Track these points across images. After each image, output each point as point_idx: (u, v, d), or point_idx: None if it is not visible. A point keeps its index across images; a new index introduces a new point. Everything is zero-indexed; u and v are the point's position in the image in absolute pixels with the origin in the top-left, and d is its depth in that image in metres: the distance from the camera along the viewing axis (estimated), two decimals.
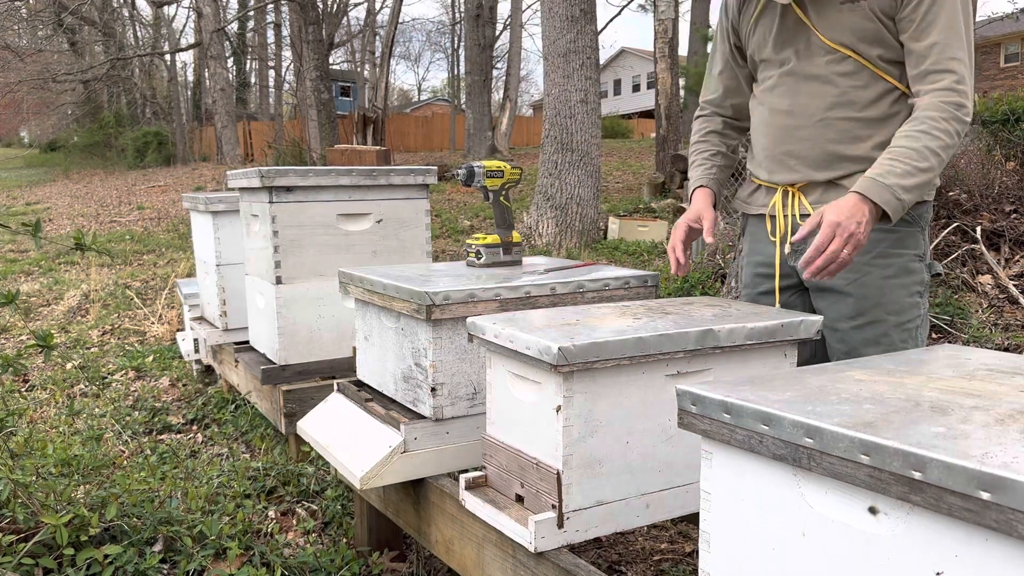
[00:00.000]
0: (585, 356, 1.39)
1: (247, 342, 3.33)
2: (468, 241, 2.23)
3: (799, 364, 1.66)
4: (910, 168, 1.55)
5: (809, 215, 1.73)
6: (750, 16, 1.85)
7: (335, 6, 25.14)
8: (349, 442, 1.98)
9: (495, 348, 1.54)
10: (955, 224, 4.57)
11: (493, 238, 2.20)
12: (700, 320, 1.58)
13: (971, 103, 1.60)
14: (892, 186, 1.54)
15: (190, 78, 33.42)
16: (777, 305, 1.86)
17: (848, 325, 1.76)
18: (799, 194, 1.79)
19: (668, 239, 2.03)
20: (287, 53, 28.31)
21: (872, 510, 0.85)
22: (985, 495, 0.77)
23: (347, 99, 33.69)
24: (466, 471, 1.75)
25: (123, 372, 4.29)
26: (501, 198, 2.23)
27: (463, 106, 25.26)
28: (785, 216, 1.81)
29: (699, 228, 1.88)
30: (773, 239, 1.85)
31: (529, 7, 27.32)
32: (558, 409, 1.42)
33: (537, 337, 1.42)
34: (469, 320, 1.61)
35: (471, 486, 1.64)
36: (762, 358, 1.59)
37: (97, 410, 3.63)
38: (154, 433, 3.39)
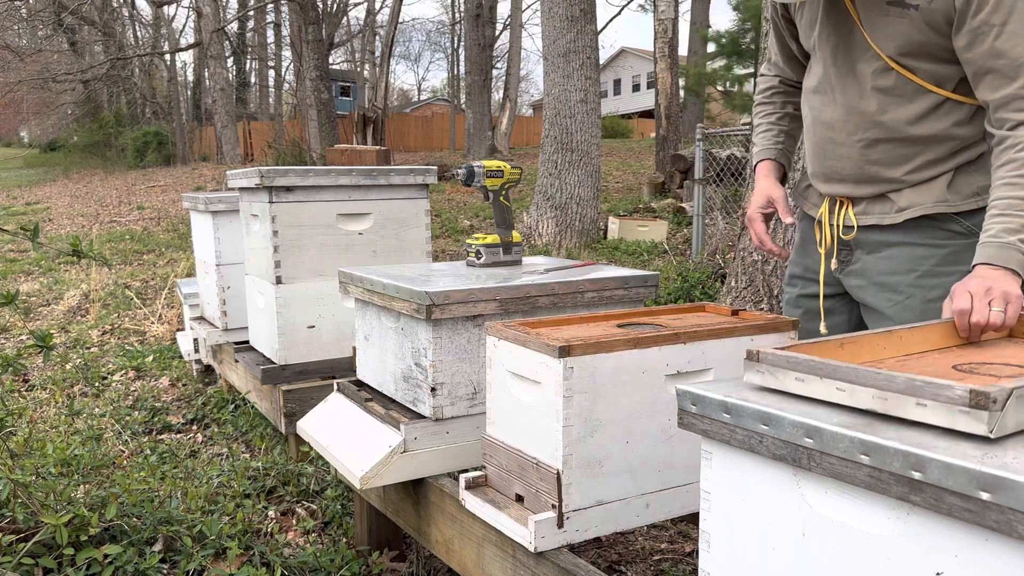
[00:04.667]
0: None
1: (247, 342, 3.33)
2: (468, 241, 2.23)
3: None
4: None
5: (854, 226, 1.65)
6: None
7: (335, 6, 25.14)
8: (349, 442, 1.98)
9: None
10: None
11: (493, 238, 2.20)
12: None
13: None
14: (1014, 243, 1.36)
15: (190, 78, 33.44)
16: (822, 319, 1.76)
17: None
18: (848, 204, 1.67)
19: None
20: (287, 53, 28.32)
21: None
22: (985, 495, 0.76)
23: (347, 99, 33.69)
24: (466, 471, 1.75)
25: (123, 372, 4.29)
26: (501, 198, 2.23)
27: (463, 106, 25.26)
28: (831, 226, 1.70)
29: (772, 212, 1.80)
30: (820, 249, 1.74)
31: (529, 7, 27.34)
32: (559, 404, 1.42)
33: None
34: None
35: (471, 486, 1.64)
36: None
37: (97, 410, 3.63)
38: (154, 433, 3.39)
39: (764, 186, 1.81)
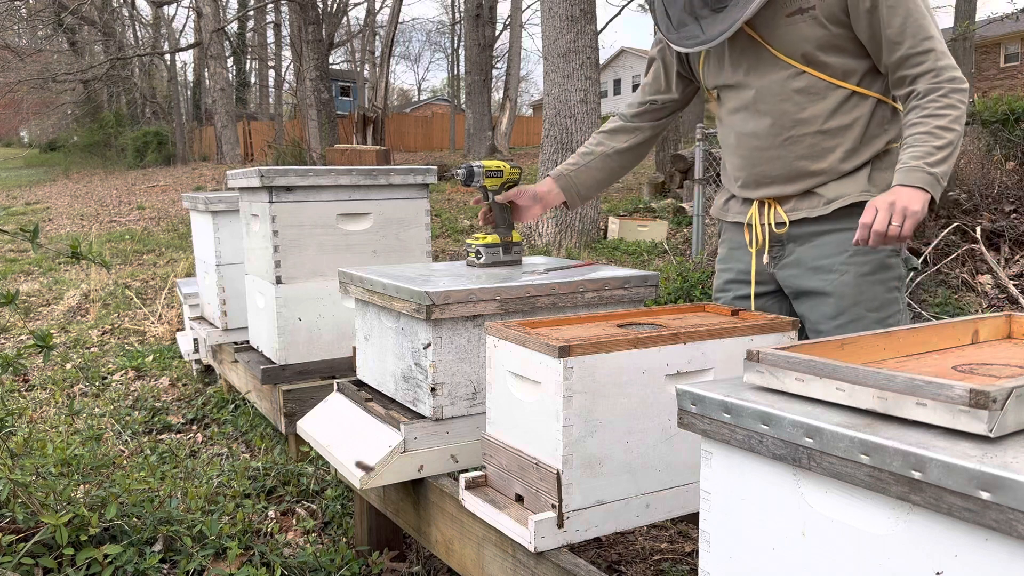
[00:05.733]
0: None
1: (247, 342, 3.33)
2: (468, 241, 2.22)
3: None
4: (928, 149, 1.60)
5: (785, 223, 1.83)
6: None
7: (335, 6, 25.13)
8: (349, 442, 1.98)
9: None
10: (955, 224, 4.57)
11: (493, 238, 2.20)
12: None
13: (959, 69, 1.67)
14: (920, 165, 1.59)
15: (190, 78, 33.45)
16: (752, 308, 1.92)
17: (831, 325, 1.81)
18: (775, 204, 1.85)
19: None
20: (287, 53, 28.28)
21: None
22: (985, 495, 0.77)
23: (347, 99, 33.70)
24: (466, 471, 1.75)
25: (123, 372, 4.29)
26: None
27: (463, 106, 25.26)
28: (762, 225, 1.87)
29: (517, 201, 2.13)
30: (751, 248, 1.91)
31: (529, 7, 27.31)
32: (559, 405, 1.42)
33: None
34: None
35: (471, 486, 1.64)
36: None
37: (97, 410, 3.63)
38: (154, 433, 3.39)
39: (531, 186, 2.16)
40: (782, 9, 1.72)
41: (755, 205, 1.89)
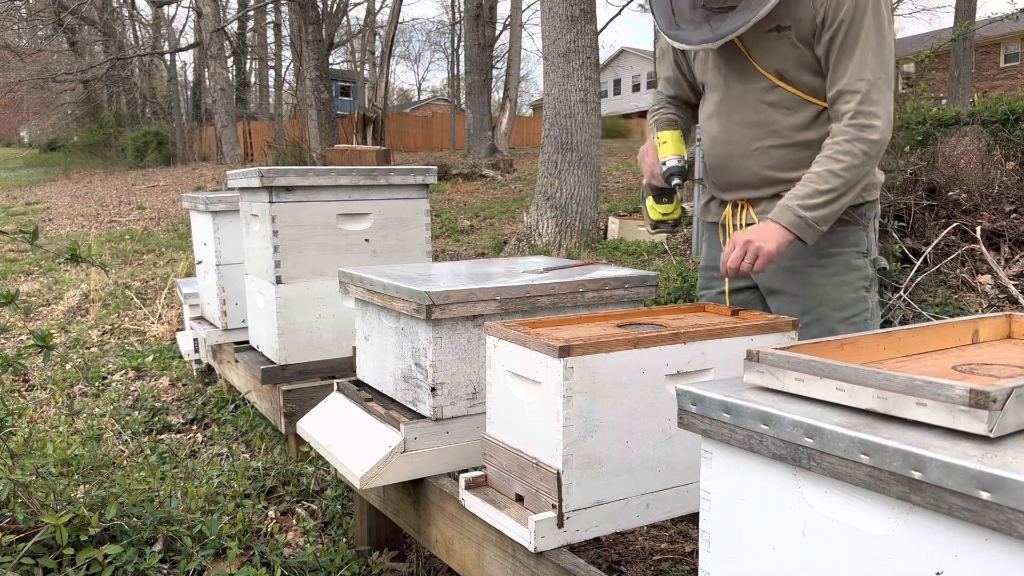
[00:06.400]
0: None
1: (247, 342, 3.33)
2: (659, 219, 2.00)
3: None
4: (811, 191, 1.70)
5: (755, 224, 1.88)
6: None
7: (335, 6, 25.13)
8: (349, 442, 1.98)
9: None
10: (955, 224, 4.57)
11: (676, 202, 2.01)
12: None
13: (881, 118, 1.71)
14: (793, 207, 1.70)
15: (190, 78, 33.44)
16: (727, 303, 1.98)
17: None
18: (747, 206, 1.92)
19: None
20: (287, 53, 28.28)
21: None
22: (985, 495, 0.76)
23: (347, 99, 33.71)
24: (466, 471, 1.75)
25: (123, 372, 4.29)
26: None
27: (463, 106, 25.26)
28: (735, 226, 1.94)
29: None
30: (724, 247, 1.95)
31: (529, 7, 27.29)
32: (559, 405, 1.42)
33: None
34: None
35: (471, 486, 1.64)
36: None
37: (97, 410, 3.63)
38: (154, 433, 3.39)
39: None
40: (764, 24, 1.78)
41: (728, 207, 1.96)
